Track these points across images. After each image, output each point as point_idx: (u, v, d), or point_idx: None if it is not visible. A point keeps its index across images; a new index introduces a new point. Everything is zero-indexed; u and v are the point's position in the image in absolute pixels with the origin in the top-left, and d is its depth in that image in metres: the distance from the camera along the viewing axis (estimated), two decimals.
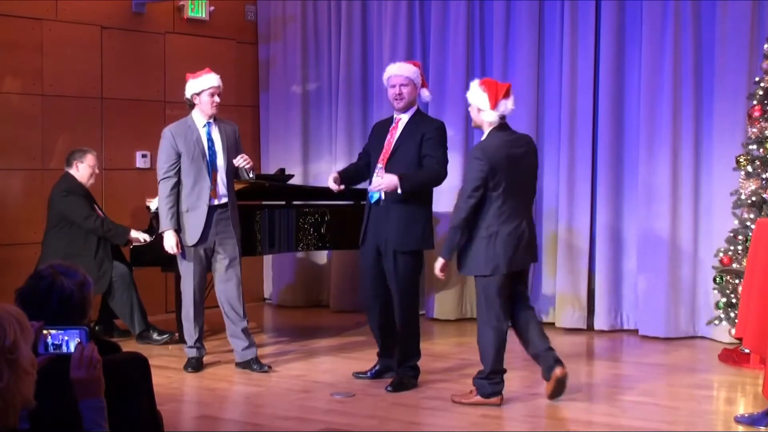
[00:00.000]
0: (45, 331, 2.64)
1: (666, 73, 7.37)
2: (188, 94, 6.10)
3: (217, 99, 6.07)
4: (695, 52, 7.30)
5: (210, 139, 6.08)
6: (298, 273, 9.09)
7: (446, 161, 5.68)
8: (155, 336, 6.99)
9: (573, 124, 7.73)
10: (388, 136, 5.71)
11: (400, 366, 5.78)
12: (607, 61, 7.61)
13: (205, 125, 6.10)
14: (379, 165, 5.65)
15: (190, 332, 6.27)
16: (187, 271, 6.18)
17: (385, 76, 5.77)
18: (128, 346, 6.31)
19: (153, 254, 6.75)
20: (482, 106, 5.29)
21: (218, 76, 6.13)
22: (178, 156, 6.05)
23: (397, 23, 8.47)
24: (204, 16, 8.73)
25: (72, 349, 2.64)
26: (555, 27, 7.89)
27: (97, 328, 7.14)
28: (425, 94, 5.81)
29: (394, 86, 5.67)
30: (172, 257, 6.60)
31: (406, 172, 5.53)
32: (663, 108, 7.39)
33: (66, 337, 2.66)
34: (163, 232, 6.09)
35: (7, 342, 2.24)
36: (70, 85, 7.84)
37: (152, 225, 6.94)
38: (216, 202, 6.08)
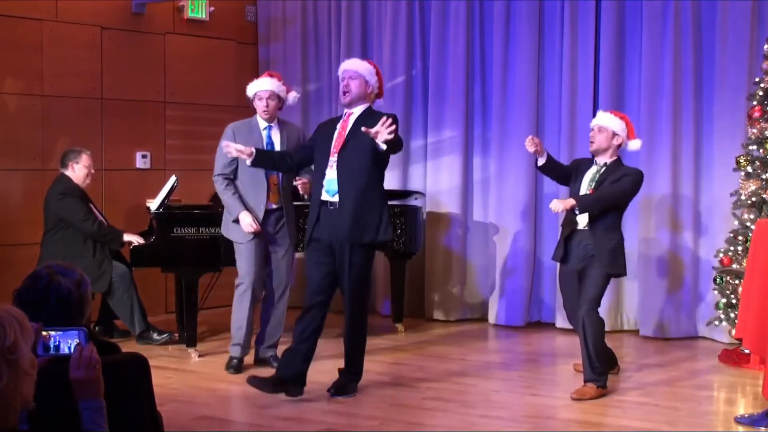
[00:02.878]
0: (44, 332, 2.64)
1: (666, 73, 7.37)
2: (249, 95, 6.12)
3: (271, 103, 6.01)
4: (695, 52, 7.30)
5: (270, 142, 6.04)
6: (298, 273, 9.07)
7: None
8: (155, 336, 6.99)
9: (573, 124, 7.73)
10: (339, 129, 5.45)
11: (345, 369, 5.61)
12: (607, 61, 7.61)
13: (265, 128, 6.06)
14: (332, 158, 5.40)
15: (245, 332, 6.19)
16: (246, 267, 6.11)
17: (339, 71, 5.61)
18: (128, 346, 6.31)
19: (153, 254, 6.74)
20: (623, 134, 5.76)
21: (273, 80, 6.05)
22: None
23: (397, 23, 8.47)
24: (204, 16, 8.73)
25: (71, 349, 2.64)
26: (555, 27, 7.89)
27: (97, 328, 7.14)
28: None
29: (343, 79, 5.47)
30: (172, 258, 6.61)
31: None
32: (663, 108, 7.40)
33: (65, 338, 2.66)
34: (236, 219, 6.02)
35: (7, 342, 2.24)
36: (70, 85, 7.84)
37: (152, 225, 6.94)
38: (274, 206, 6.06)
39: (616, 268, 5.72)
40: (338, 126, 5.48)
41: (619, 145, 5.78)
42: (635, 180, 5.69)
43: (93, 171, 7.03)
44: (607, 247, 5.64)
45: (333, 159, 5.40)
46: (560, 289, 6.14)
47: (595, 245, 5.64)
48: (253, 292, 6.14)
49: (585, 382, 5.58)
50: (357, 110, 5.46)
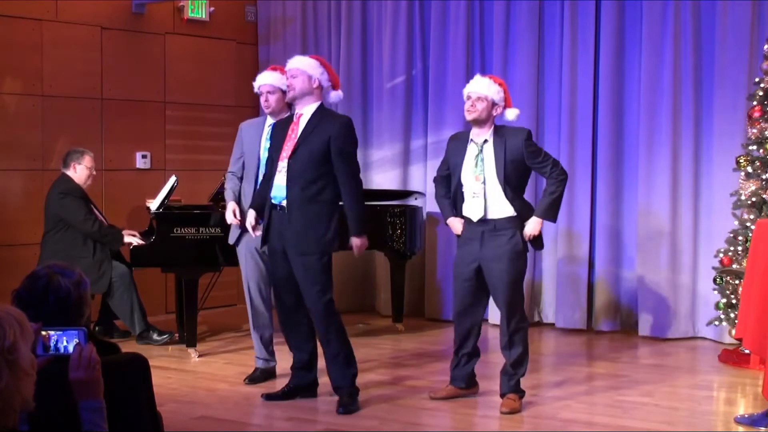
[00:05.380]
0: (44, 332, 2.63)
1: (666, 73, 7.37)
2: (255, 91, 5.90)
3: (271, 97, 5.71)
4: (695, 52, 7.30)
5: (269, 141, 5.65)
6: None
7: (355, 158, 5.28)
8: (155, 336, 6.98)
9: (573, 124, 7.73)
10: (290, 133, 5.22)
11: (337, 390, 5.32)
12: (607, 61, 7.60)
13: (270, 125, 5.79)
14: (282, 163, 5.19)
15: (254, 339, 6.01)
16: (242, 271, 5.98)
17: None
18: (128, 346, 6.31)
19: (153, 254, 6.74)
20: (502, 104, 5.24)
21: (275, 74, 5.71)
22: (243, 153, 5.89)
23: (397, 23, 8.47)
24: (204, 16, 8.74)
25: (71, 350, 2.64)
26: (555, 27, 7.89)
27: (97, 328, 7.14)
28: (333, 95, 5.35)
29: (287, 78, 5.26)
30: (172, 258, 6.61)
31: (306, 171, 5.12)
32: (663, 108, 7.39)
33: (65, 338, 2.66)
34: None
35: (6, 343, 2.23)
36: (70, 85, 7.84)
37: (152, 226, 6.94)
38: None
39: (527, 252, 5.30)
40: (290, 127, 5.27)
41: (497, 116, 5.26)
42: (538, 147, 5.27)
43: (95, 172, 7.03)
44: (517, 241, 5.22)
45: (283, 164, 5.19)
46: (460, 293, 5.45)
47: (508, 241, 5.19)
48: (250, 299, 5.93)
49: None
50: (307, 110, 5.22)
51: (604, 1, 7.63)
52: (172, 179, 6.99)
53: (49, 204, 6.87)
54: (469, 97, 5.24)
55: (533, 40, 7.92)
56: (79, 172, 6.89)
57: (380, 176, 8.61)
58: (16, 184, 7.61)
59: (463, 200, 5.32)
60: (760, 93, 6.53)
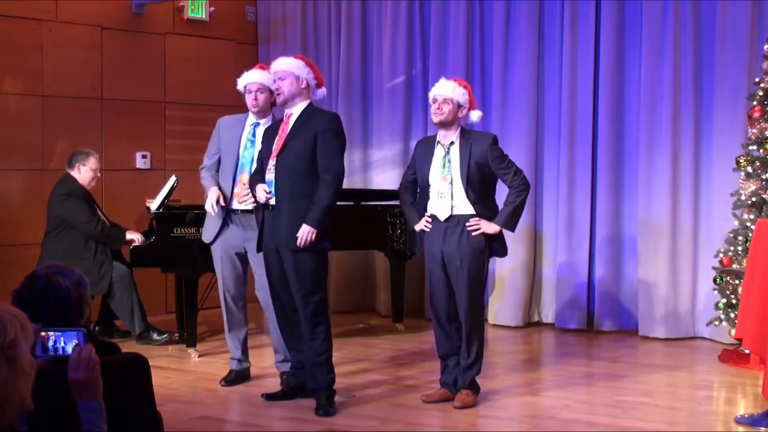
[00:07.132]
0: (43, 333, 2.63)
1: (666, 73, 7.37)
2: (239, 89, 5.82)
3: (260, 96, 5.62)
4: (695, 52, 7.30)
5: (251, 140, 5.70)
6: None
7: (341, 156, 5.21)
8: (155, 336, 6.98)
9: (573, 124, 7.73)
10: (280, 132, 5.26)
11: (314, 392, 5.27)
12: (607, 61, 7.60)
13: (253, 124, 5.76)
14: (272, 161, 5.21)
15: (229, 341, 5.95)
16: (218, 272, 5.92)
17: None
18: (128, 346, 6.31)
19: (153, 254, 6.74)
20: (467, 105, 5.32)
21: (264, 73, 5.63)
22: (219, 149, 5.83)
23: (397, 23, 8.47)
24: (204, 16, 8.74)
25: (69, 351, 2.64)
26: (555, 27, 7.89)
27: (97, 328, 7.14)
28: (318, 92, 5.39)
29: (274, 82, 5.32)
30: (172, 258, 6.60)
31: (295, 176, 5.13)
32: (663, 108, 7.39)
33: (63, 339, 2.65)
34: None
35: (7, 339, 2.23)
36: (70, 85, 7.84)
37: (152, 226, 6.94)
38: (238, 207, 5.71)
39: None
40: (279, 129, 5.28)
41: (462, 117, 5.33)
42: (503, 153, 5.32)
43: (99, 174, 7.02)
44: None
45: (272, 163, 5.21)
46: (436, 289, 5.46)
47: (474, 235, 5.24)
48: (225, 300, 5.87)
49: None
50: (296, 110, 5.26)
51: (604, 1, 7.64)
52: (172, 179, 6.99)
53: (52, 205, 6.86)
54: (435, 100, 5.31)
55: (533, 40, 7.92)
56: (84, 173, 6.89)
57: (380, 176, 8.61)
58: (16, 184, 7.61)
59: (428, 199, 5.37)
60: (760, 93, 6.53)
